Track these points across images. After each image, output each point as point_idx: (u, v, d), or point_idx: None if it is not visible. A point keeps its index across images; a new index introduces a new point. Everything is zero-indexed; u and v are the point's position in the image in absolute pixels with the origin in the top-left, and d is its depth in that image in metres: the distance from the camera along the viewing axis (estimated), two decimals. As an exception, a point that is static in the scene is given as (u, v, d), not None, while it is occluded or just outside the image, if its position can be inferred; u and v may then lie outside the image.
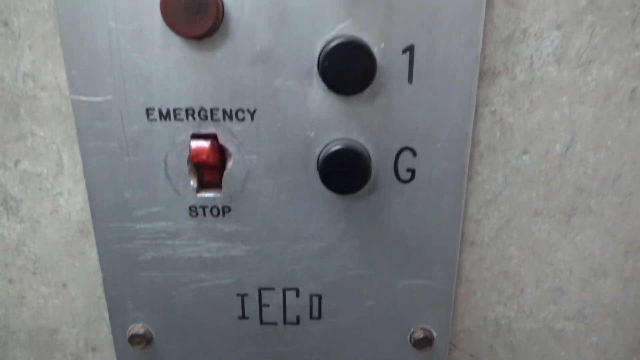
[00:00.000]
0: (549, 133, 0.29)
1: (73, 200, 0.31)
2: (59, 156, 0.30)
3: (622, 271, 0.32)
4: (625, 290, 0.33)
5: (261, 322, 0.33)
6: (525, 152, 0.30)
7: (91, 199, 0.30)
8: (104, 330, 0.34)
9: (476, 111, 0.29)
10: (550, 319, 0.34)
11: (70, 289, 0.33)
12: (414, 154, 0.29)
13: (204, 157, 0.28)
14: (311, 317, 0.33)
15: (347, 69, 0.26)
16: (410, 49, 0.27)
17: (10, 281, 0.33)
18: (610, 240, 0.32)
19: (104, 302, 0.33)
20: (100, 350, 0.35)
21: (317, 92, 0.27)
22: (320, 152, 0.28)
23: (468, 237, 0.32)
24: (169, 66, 0.27)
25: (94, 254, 0.32)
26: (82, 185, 0.30)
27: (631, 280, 0.32)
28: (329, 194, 0.30)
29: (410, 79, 0.27)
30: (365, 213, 0.30)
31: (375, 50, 0.26)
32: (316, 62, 0.27)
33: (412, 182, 0.29)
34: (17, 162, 0.30)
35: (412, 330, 0.33)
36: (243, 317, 0.33)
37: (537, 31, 0.27)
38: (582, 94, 0.28)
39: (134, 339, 0.33)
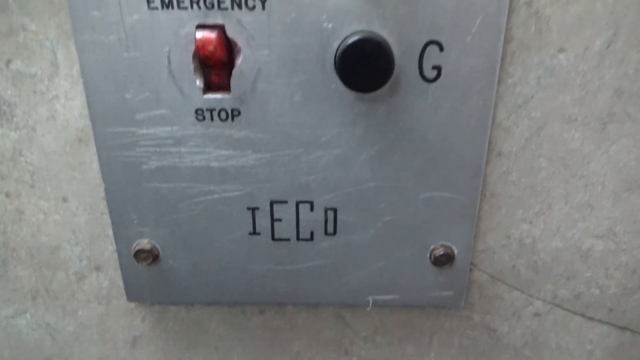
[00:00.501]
0: (589, 28, 0.26)
1: (70, 104, 0.28)
2: (54, 54, 0.27)
3: (659, 185, 0.30)
4: (660, 205, 0.30)
5: (273, 238, 0.31)
6: (561, 50, 0.27)
7: (89, 100, 0.27)
8: (109, 249, 0.32)
9: (510, 2, 0.25)
10: (578, 237, 0.31)
11: (71, 203, 0.31)
12: (441, 48, 0.26)
13: (211, 48, 0.25)
14: (326, 232, 0.30)
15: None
16: None
17: (7, 195, 0.31)
18: (648, 150, 0.29)
19: (107, 218, 0.31)
20: (104, 269, 0.33)
21: (336, -25, 0.24)
22: (339, 46, 0.25)
23: (495, 147, 0.29)
24: (170, -57, 0.24)
25: (95, 165, 0.30)
26: (80, 87, 0.28)
27: (668, 194, 0.30)
28: (347, 95, 0.27)
29: (439, -41, 0.24)
30: (386, 117, 0.27)
31: None
32: (335, -62, 0.23)
33: (438, 82, 0.26)
34: (8, 62, 0.27)
35: (432, 246, 0.31)
36: (254, 232, 0.30)
37: None
38: (629, -19, 0.25)
39: (139, 255, 0.31)
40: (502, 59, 0.27)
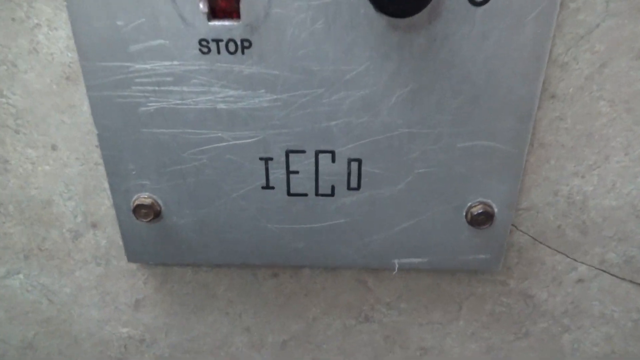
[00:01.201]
0: (676, -63, 0.21)
1: (54, 34, 0.24)
2: (31, -28, 0.22)
3: None
4: None
5: (289, 192, 0.26)
6: (638, -34, 0.21)
7: (75, 30, 0.22)
8: (105, 204, 0.28)
9: None
10: (636, 194, 0.27)
11: (61, 151, 0.27)
12: (494, -38, 0.20)
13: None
14: (349, 187, 0.26)
15: None
16: None
17: (-10, 142, 0.27)
18: None
19: (102, 168, 0.27)
20: (101, 226, 0.29)
21: None
22: (370, -41, 0.20)
23: (549, 87, 0.24)
24: None
25: (86, 107, 0.25)
26: (65, 14, 0.23)
27: None
28: (378, 22, 0.22)
29: None
30: (423, 49, 0.22)
31: None
32: None
33: (488, 5, 0.21)
34: (-21, -18, 0.23)
35: (469, 204, 0.26)
36: (267, 186, 0.26)
37: None
38: None
39: (139, 211, 0.26)
40: (565, -22, 0.22)
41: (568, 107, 0.25)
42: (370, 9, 0.21)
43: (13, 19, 0.23)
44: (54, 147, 0.27)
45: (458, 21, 0.22)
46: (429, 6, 0.21)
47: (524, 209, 0.27)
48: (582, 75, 0.24)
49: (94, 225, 0.29)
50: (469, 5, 0.21)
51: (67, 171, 0.27)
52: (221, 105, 0.24)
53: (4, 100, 0.25)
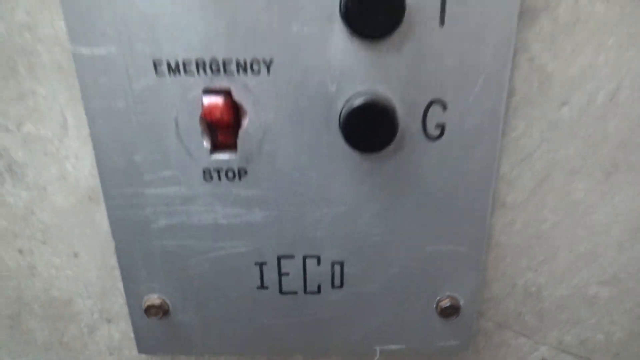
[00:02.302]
0: (592, 81, 0.24)
1: (80, 164, 0.26)
2: (63, 117, 0.25)
3: (663, 233, 0.27)
4: (665, 253, 0.28)
5: (281, 291, 0.28)
6: (564, 103, 0.25)
7: (99, 162, 0.25)
8: (119, 302, 0.30)
9: (513, 58, 0.24)
10: (583, 285, 0.29)
11: (82, 258, 0.29)
12: (444, 107, 0.24)
13: (218, 114, 0.23)
14: (333, 285, 0.28)
15: (373, 8, 0.21)
16: (442, -14, 0.21)
17: (21, 252, 0.29)
18: (652, 200, 0.27)
19: (117, 272, 0.29)
20: (115, 321, 0.31)
21: (339, 38, 0.22)
22: (343, 107, 0.23)
23: (499, 198, 0.27)
24: (176, 12, 0.22)
25: (105, 221, 0.28)
26: (89, 147, 0.26)
27: (672, 242, 0.28)
28: (352, 154, 0.25)
29: (442, 21, 0.22)
30: (391, 174, 0.25)
31: (404, -12, 0.21)
32: (338, 3, 0.22)
33: (442, 139, 0.24)
34: (19, 125, 0.25)
35: (438, 297, 0.28)
36: (262, 287, 0.28)
37: (583, -34, 0.22)
38: (631, 35, 0.23)
39: (150, 310, 0.28)
40: (506, 113, 0.25)
41: (517, 214, 0.27)
42: (345, 145, 0.24)
43: (45, 153, 0.26)
44: (76, 255, 0.29)
45: (418, 153, 0.25)
46: (394, 142, 0.24)
47: (487, 299, 0.30)
48: (526, 189, 0.27)
49: (109, 321, 0.31)
50: (426, 140, 0.24)
51: (86, 275, 0.29)
52: (222, 221, 0.26)
53: (35, 217, 0.28)
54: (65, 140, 0.26)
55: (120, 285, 0.29)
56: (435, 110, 0.24)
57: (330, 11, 0.22)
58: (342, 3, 0.21)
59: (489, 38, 0.22)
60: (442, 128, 0.24)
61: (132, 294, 0.29)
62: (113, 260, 0.29)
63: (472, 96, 0.23)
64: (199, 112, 0.24)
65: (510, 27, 0.22)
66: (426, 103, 0.24)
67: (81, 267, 0.29)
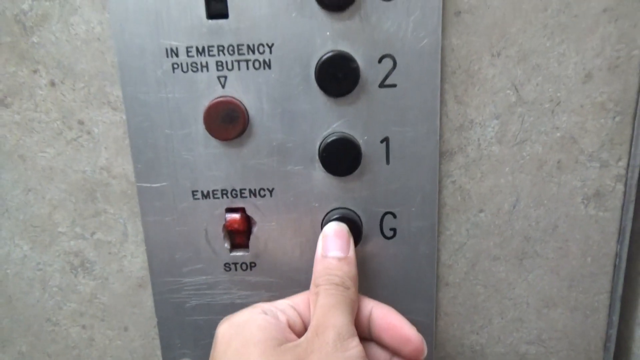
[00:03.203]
0: (498, 195, 0.35)
1: (134, 261, 0.37)
2: (125, 227, 0.36)
3: (568, 302, 0.37)
4: (572, 317, 0.37)
5: (282, 353, 0.37)
6: (481, 210, 0.35)
7: (150, 259, 0.35)
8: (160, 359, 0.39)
9: (440, 182, 0.34)
10: (515, 344, 0.38)
11: (130, 332, 0.38)
12: (394, 216, 0.34)
13: (236, 225, 0.34)
14: (322, 348, 0.37)
15: (340, 157, 0.32)
16: (386, 140, 0.33)
17: (83, 327, 0.38)
18: (555, 277, 0.36)
19: (157, 341, 0.38)
20: (153, 381, 0.40)
21: (319, 174, 0.33)
22: (324, 219, 0.34)
23: (442, 279, 0.37)
24: (209, 159, 0.33)
25: (149, 302, 0.37)
26: (142, 249, 0.36)
27: (576, 308, 0.37)
28: (332, 249, 0.35)
29: (387, 161, 0.33)
30: (359, 263, 0.35)
31: (360, 142, 0.32)
32: (317, 153, 0.33)
33: (394, 239, 0.35)
34: (92, 234, 0.36)
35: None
36: (267, 350, 0.37)
37: (481, 121, 0.33)
38: (520, 165, 0.34)
39: (181, 371, 0.37)
40: (440, 218, 0.35)
41: (458, 290, 0.37)
42: (326, 243, 0.34)
43: (109, 253, 0.36)
44: (125, 329, 0.38)
45: (377, 248, 0.35)
46: (360, 242, 0.34)
47: (441, 357, 0.39)
48: (462, 271, 0.36)
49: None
50: (383, 239, 0.35)
51: (132, 344, 0.39)
52: (237, 300, 0.36)
53: (97, 300, 0.38)
54: (125, 244, 0.36)
55: (158, 352, 0.39)
56: (388, 218, 0.34)
57: (312, 157, 0.33)
58: (320, 152, 0.32)
59: (421, 170, 0.33)
60: (394, 231, 0.34)
61: (168, 358, 0.38)
62: (154, 332, 0.38)
63: (414, 208, 0.34)
64: (222, 223, 0.34)
65: (435, 162, 0.33)
66: (381, 214, 0.34)
67: (129, 338, 0.38)
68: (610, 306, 0.37)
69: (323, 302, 0.29)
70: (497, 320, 0.38)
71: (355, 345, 0.27)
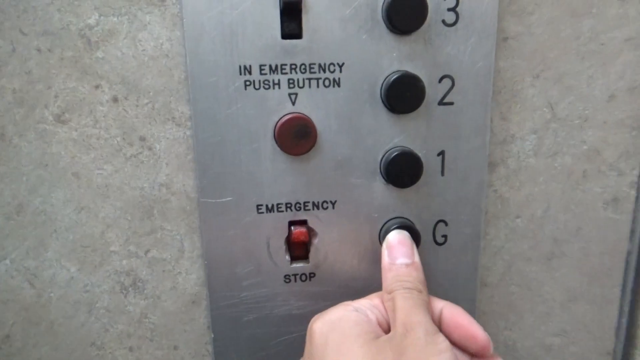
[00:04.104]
0: (533, 203, 0.39)
1: (189, 277, 0.37)
2: (182, 244, 0.36)
3: (588, 295, 0.42)
4: (591, 309, 0.42)
5: None
6: (518, 216, 0.39)
7: (210, 274, 0.36)
8: (206, 383, 0.39)
9: (485, 190, 0.38)
10: (542, 337, 0.42)
11: (180, 350, 0.38)
12: (446, 224, 0.37)
13: (302, 237, 0.35)
14: (373, 353, 0.39)
15: (405, 170, 0.34)
16: (442, 153, 0.36)
17: (130, 349, 0.37)
18: (578, 274, 0.41)
19: (207, 358, 0.38)
20: (202, 399, 0.39)
21: (379, 186, 0.35)
22: (381, 228, 0.36)
23: (482, 280, 0.40)
24: (275, 174, 0.34)
25: (202, 319, 0.38)
26: (197, 265, 0.36)
27: (594, 301, 0.42)
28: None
29: (442, 173, 0.36)
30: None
31: (420, 155, 0.35)
32: (379, 166, 0.35)
33: (445, 245, 0.38)
34: (147, 252, 0.36)
35: (448, 355, 0.40)
36: (321, 358, 0.39)
37: (522, 135, 0.37)
38: (552, 175, 0.38)
39: (236, 386, 0.38)
40: (483, 225, 0.39)
41: (494, 290, 0.41)
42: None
43: (164, 271, 0.36)
44: (175, 348, 0.38)
45: (431, 253, 0.38)
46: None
47: (479, 354, 0.42)
48: (499, 272, 0.40)
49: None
50: (435, 245, 0.37)
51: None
52: (295, 311, 0.37)
53: (147, 320, 0.37)
54: (180, 260, 0.36)
55: (209, 368, 0.39)
56: (441, 226, 0.37)
57: (374, 169, 0.35)
58: (381, 165, 0.35)
59: (471, 180, 0.37)
60: (445, 237, 0.37)
61: (221, 374, 0.38)
62: (204, 350, 0.38)
63: (464, 216, 0.37)
64: (284, 236, 0.35)
65: (483, 173, 0.37)
66: (434, 222, 0.37)
67: (179, 357, 0.38)
68: (622, 297, 0.42)
69: (402, 305, 0.31)
70: (528, 316, 0.42)
71: (443, 339, 0.29)
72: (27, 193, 0.33)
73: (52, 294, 0.36)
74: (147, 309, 0.37)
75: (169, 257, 0.36)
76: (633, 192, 0.39)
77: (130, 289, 0.36)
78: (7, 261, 0.34)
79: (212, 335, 0.37)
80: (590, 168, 0.39)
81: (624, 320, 0.43)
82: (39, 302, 0.35)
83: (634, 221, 0.40)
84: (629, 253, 0.41)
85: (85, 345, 0.37)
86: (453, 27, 0.33)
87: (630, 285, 0.42)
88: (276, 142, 0.33)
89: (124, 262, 0.36)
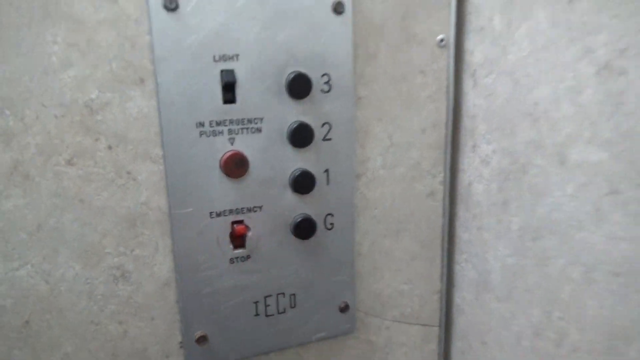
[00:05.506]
0: (384, 199, 0.62)
1: (162, 267, 0.53)
2: (157, 244, 0.52)
3: (423, 256, 0.66)
4: (425, 264, 0.66)
5: (266, 315, 0.58)
6: (375, 208, 0.62)
7: (177, 264, 0.53)
8: (178, 337, 0.55)
9: (353, 193, 0.60)
10: (397, 285, 0.66)
11: (156, 319, 0.54)
12: (332, 216, 0.58)
13: (241, 232, 0.54)
14: (291, 306, 0.59)
15: (302, 183, 0.55)
16: (327, 170, 0.57)
17: (120, 322, 0.52)
18: (415, 242, 0.65)
19: (176, 324, 0.55)
20: (175, 355, 0.55)
21: (289, 195, 0.56)
22: (292, 222, 0.56)
23: (357, 252, 0.62)
24: (222, 191, 0.53)
25: (172, 296, 0.54)
26: (169, 257, 0.53)
27: (427, 260, 0.66)
28: (298, 244, 0.57)
29: (327, 183, 0.57)
30: (311, 247, 0.58)
31: (313, 173, 0.56)
32: (288, 181, 0.55)
33: (332, 230, 0.59)
34: (132, 250, 0.51)
35: (338, 303, 0.61)
36: (256, 314, 0.57)
37: (373, 157, 0.60)
38: (394, 180, 0.62)
39: (199, 340, 0.55)
40: (355, 215, 0.61)
41: (365, 258, 0.63)
42: (293, 237, 0.57)
43: (144, 264, 0.52)
44: (152, 318, 0.54)
45: (323, 236, 0.58)
46: (314, 234, 0.57)
47: (359, 301, 0.64)
48: (367, 246, 0.62)
49: (168, 356, 0.55)
50: (326, 230, 0.58)
51: (158, 330, 0.54)
52: (238, 284, 0.55)
53: (132, 300, 0.52)
54: (156, 255, 0.52)
55: (177, 332, 0.55)
56: (329, 218, 0.58)
57: (285, 184, 0.55)
58: (292, 180, 0.55)
59: (345, 187, 0.58)
60: (332, 225, 0.59)
61: (187, 334, 0.55)
62: (175, 318, 0.55)
63: (343, 210, 0.59)
64: (228, 232, 0.54)
65: (352, 182, 0.59)
66: (325, 215, 0.58)
67: (155, 325, 0.54)
68: (442, 255, 0.67)
69: None
70: (387, 273, 0.64)
71: None
72: (45, 216, 0.48)
73: (62, 288, 0.50)
74: (132, 292, 0.52)
75: (148, 253, 0.52)
76: (442, 187, 0.64)
77: (120, 279, 0.52)
78: (29, 266, 0.48)
79: (180, 305, 0.54)
80: (416, 174, 0.63)
81: (445, 270, 0.68)
82: (52, 295, 0.49)
83: (444, 206, 0.65)
84: (442, 226, 0.66)
85: (87, 324, 0.51)
86: (328, 93, 0.55)
87: (446, 246, 0.67)
88: (222, 170, 0.52)
89: (115, 259, 0.51)
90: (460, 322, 0.69)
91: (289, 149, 0.55)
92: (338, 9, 0.54)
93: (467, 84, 0.62)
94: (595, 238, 0.46)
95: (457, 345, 0.71)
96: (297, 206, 0.57)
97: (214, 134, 0.51)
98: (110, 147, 0.49)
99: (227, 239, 0.54)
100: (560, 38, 0.48)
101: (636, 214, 0.43)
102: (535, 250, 0.54)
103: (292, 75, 0.52)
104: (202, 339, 0.55)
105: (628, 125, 0.42)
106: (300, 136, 0.54)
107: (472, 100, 0.61)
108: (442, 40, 0.61)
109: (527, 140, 0.53)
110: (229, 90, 0.51)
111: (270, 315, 0.59)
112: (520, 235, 0.55)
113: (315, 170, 0.56)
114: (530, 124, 0.52)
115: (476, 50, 0.60)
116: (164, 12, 0.46)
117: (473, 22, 0.61)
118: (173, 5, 0.46)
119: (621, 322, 0.46)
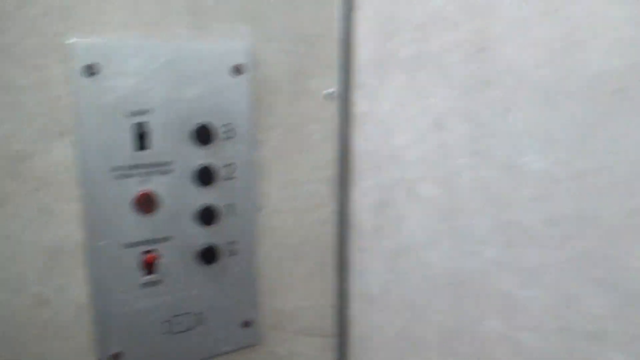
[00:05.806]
0: (278, 214, 0.72)
1: (81, 292, 0.60)
2: (75, 272, 0.59)
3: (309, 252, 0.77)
4: (311, 266, 0.77)
5: (175, 332, 0.66)
6: (274, 227, 0.72)
7: (93, 288, 0.60)
8: (95, 356, 0.62)
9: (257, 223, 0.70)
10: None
11: (73, 340, 0.61)
12: (236, 243, 0.68)
13: (151, 260, 0.62)
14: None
15: (207, 215, 0.64)
16: (232, 204, 0.66)
17: (39, 343, 0.59)
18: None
19: (93, 343, 0.62)
20: None
21: (195, 226, 0.64)
22: (198, 248, 0.65)
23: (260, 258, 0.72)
24: (134, 223, 0.61)
25: (88, 319, 0.61)
26: (86, 284, 0.60)
27: (308, 257, 0.77)
28: (204, 269, 0.66)
29: (234, 214, 0.67)
30: (216, 270, 0.67)
31: (218, 205, 0.65)
32: (195, 214, 0.64)
33: (236, 256, 0.68)
34: (51, 279, 0.58)
35: (242, 320, 0.71)
36: (167, 332, 0.65)
37: (269, 191, 0.71)
38: (290, 206, 0.72)
39: (115, 357, 0.62)
40: (255, 236, 0.71)
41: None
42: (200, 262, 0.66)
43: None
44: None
45: (225, 265, 0.68)
46: (216, 261, 0.67)
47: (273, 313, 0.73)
48: (268, 250, 0.72)
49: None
50: (226, 258, 0.68)
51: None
52: (148, 305, 0.63)
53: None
54: (86, 282, 0.59)
55: (93, 345, 0.62)
56: (230, 245, 0.68)
57: (193, 217, 0.64)
58: (198, 213, 0.64)
59: (248, 216, 0.68)
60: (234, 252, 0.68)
61: (103, 350, 0.62)
62: (92, 338, 0.61)
63: (248, 231, 0.69)
64: (140, 261, 0.62)
65: (255, 209, 0.69)
66: (229, 242, 0.67)
67: (72, 344, 0.61)
68: (335, 274, 0.78)
69: None
70: (287, 291, 0.74)
71: None
72: None
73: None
74: (52, 316, 0.59)
75: (66, 281, 0.59)
76: (332, 216, 0.76)
77: (41, 304, 0.58)
78: None
79: (95, 327, 0.61)
80: (311, 205, 0.74)
81: (338, 286, 0.79)
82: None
83: (334, 232, 0.77)
84: (334, 249, 0.77)
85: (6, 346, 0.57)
86: (232, 139, 0.65)
87: (338, 266, 0.78)
88: (135, 207, 0.60)
89: (36, 287, 0.58)
90: (354, 332, 0.81)
91: (195, 187, 0.64)
92: (239, 70, 0.65)
93: (352, 129, 0.75)
94: (434, 256, 0.59)
95: (351, 352, 0.82)
96: (203, 236, 0.66)
97: (128, 176, 0.60)
98: (36, 190, 0.56)
99: (139, 266, 0.62)
100: (409, 97, 0.62)
101: (464, 237, 0.56)
102: (400, 267, 0.66)
103: (196, 126, 0.62)
104: (117, 356, 0.62)
105: (453, 168, 0.56)
106: (204, 176, 0.64)
107: (356, 143, 0.74)
108: (331, 93, 0.74)
109: (391, 177, 0.65)
110: (142, 139, 0.60)
111: (180, 332, 0.67)
112: (391, 255, 0.68)
113: (221, 203, 0.66)
114: (392, 165, 0.65)
115: (358, 102, 0.73)
116: (84, 77, 0.55)
117: (356, 78, 0.74)
118: (92, 71, 0.55)
119: (453, 323, 0.59)
